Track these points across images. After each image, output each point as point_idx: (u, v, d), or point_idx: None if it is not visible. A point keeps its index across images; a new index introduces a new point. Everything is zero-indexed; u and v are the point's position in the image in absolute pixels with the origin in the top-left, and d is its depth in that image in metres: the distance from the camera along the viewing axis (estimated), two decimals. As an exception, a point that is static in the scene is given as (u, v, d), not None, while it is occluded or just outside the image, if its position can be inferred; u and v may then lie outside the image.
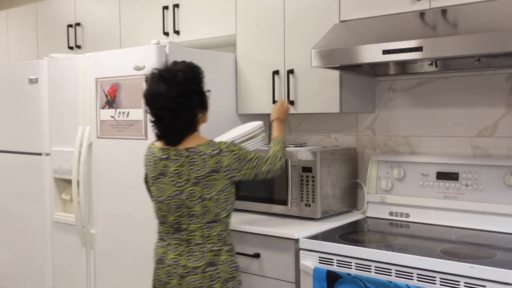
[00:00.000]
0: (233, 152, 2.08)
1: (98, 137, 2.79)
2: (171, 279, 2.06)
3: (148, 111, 2.08)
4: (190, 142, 2.06)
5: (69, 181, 3.03)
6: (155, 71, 2.08)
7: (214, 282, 2.05)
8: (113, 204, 2.75)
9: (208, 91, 2.15)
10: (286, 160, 2.59)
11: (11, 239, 3.34)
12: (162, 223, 2.14)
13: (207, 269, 2.04)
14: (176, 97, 2.01)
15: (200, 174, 2.03)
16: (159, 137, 2.10)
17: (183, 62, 2.11)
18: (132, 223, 2.66)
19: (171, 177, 2.06)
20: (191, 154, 2.04)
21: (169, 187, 2.06)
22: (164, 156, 2.08)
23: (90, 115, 2.82)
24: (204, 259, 2.04)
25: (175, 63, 2.10)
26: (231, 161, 2.06)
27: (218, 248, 2.07)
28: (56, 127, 3.05)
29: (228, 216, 2.13)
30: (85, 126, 2.85)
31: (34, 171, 3.16)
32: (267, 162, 2.20)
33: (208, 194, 2.04)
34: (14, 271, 3.33)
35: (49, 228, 3.10)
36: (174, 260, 2.07)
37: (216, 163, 2.04)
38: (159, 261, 2.12)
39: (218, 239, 2.08)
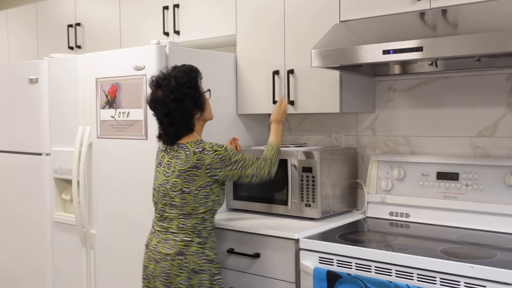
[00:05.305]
0: (217, 152, 2.19)
1: (98, 137, 2.79)
2: (150, 264, 2.25)
3: (153, 114, 2.29)
4: (185, 139, 2.25)
5: (69, 181, 3.03)
6: (154, 78, 2.25)
7: (181, 271, 2.17)
8: (113, 204, 2.75)
9: (208, 90, 2.33)
10: (286, 160, 2.59)
11: (11, 239, 3.34)
12: (155, 210, 2.32)
13: (176, 257, 2.17)
14: (169, 102, 2.18)
15: (182, 168, 2.18)
16: (160, 136, 2.28)
17: (182, 66, 2.27)
18: (132, 223, 2.66)
19: (164, 167, 2.26)
20: (179, 149, 2.23)
21: (160, 176, 2.27)
22: (163, 148, 2.31)
23: (90, 115, 2.82)
24: (175, 248, 2.19)
25: (173, 68, 2.26)
26: (214, 160, 2.18)
27: (190, 239, 2.20)
28: (56, 127, 3.05)
29: (206, 212, 2.23)
30: (85, 126, 2.85)
31: (34, 171, 3.16)
32: (253, 166, 2.27)
33: (188, 188, 2.18)
34: (14, 271, 3.32)
35: (49, 228, 3.10)
36: (155, 246, 2.24)
37: (198, 160, 2.17)
38: (146, 246, 2.31)
39: (191, 231, 2.21)
